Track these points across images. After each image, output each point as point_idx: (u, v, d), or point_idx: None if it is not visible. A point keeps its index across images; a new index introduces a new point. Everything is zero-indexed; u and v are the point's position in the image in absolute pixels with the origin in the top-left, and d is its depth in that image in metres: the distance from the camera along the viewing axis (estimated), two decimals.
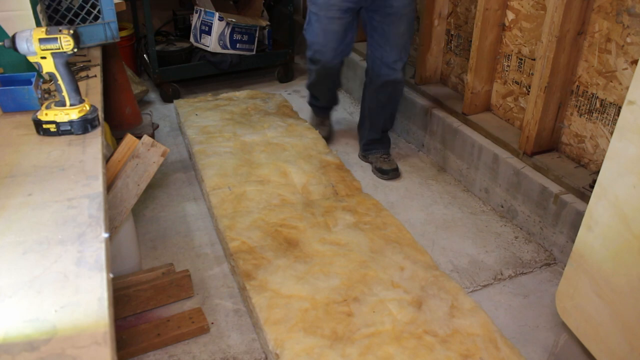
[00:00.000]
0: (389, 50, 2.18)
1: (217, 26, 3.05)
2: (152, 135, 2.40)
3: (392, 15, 2.11)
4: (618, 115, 1.06)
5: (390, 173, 2.39)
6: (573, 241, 1.23)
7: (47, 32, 1.12)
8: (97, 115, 1.23)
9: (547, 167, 1.95)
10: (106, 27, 1.71)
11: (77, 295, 0.73)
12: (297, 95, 3.32)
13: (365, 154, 2.54)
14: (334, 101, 2.69)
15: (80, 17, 1.67)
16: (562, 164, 1.97)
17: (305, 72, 3.67)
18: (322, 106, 2.68)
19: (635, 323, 1.08)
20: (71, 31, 1.13)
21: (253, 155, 2.33)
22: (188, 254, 1.94)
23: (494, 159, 2.14)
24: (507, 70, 2.23)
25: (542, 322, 1.66)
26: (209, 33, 3.08)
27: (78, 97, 1.19)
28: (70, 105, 1.18)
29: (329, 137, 2.68)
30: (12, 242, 0.84)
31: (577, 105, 1.92)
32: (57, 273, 0.77)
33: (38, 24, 1.46)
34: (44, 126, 1.17)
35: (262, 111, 2.78)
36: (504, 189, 2.13)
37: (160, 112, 3.05)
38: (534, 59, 2.07)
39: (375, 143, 2.49)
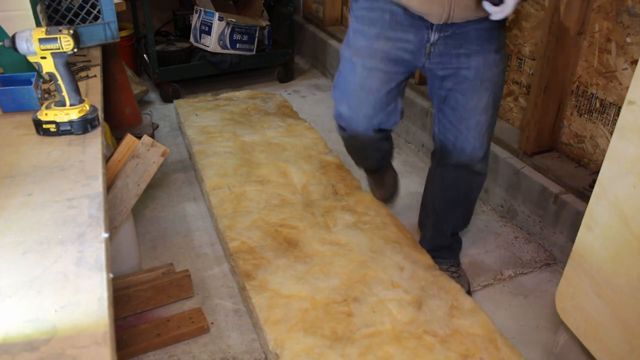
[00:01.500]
0: (465, 132, 1.50)
1: (217, 26, 3.05)
2: (152, 135, 2.40)
3: (470, 81, 1.42)
4: (618, 115, 1.06)
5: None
6: (573, 241, 1.23)
7: (47, 32, 1.12)
8: (97, 115, 1.23)
9: (547, 167, 1.95)
10: (106, 27, 1.71)
11: (77, 295, 0.73)
12: (297, 95, 3.32)
13: None
14: (383, 162, 1.90)
15: (80, 17, 1.67)
16: (562, 164, 1.97)
17: (305, 71, 3.68)
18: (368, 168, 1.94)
19: (635, 323, 1.08)
20: (71, 31, 1.13)
21: (253, 155, 2.33)
22: (188, 254, 1.94)
23: (494, 159, 2.14)
24: (507, 70, 2.23)
25: (542, 322, 1.66)
26: (209, 33, 3.08)
27: (78, 97, 1.19)
28: (70, 105, 1.18)
29: (391, 197, 2.02)
30: (12, 242, 0.84)
31: (577, 105, 1.92)
32: (57, 273, 0.77)
33: (38, 24, 1.46)
34: (44, 126, 1.17)
35: (262, 111, 2.78)
36: (504, 189, 2.13)
37: (160, 112, 3.05)
38: (534, 59, 2.07)
39: (442, 250, 1.81)
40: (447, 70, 1.43)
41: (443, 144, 1.59)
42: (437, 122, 1.57)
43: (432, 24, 1.35)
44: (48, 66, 1.15)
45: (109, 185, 1.58)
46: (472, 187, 1.67)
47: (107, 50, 2.02)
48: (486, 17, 1.27)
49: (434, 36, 1.36)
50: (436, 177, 1.72)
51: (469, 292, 1.71)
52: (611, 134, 1.79)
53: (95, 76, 1.54)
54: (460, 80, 1.43)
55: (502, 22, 1.40)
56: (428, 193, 1.81)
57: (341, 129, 1.59)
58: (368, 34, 1.39)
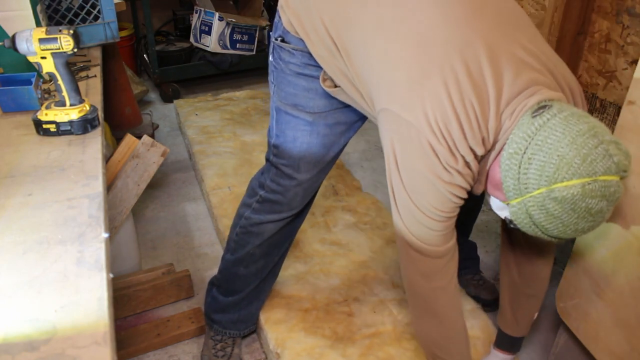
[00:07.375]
0: None
1: (217, 26, 3.05)
2: (152, 135, 2.40)
3: None
4: (618, 115, 1.06)
5: (493, 305, 1.69)
6: (573, 241, 1.23)
7: (47, 32, 1.12)
8: (97, 115, 1.23)
9: None
10: (106, 27, 1.71)
11: (77, 295, 0.73)
12: None
13: None
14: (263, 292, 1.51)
15: (80, 17, 1.67)
16: None
17: None
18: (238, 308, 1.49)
19: (635, 323, 1.08)
20: (71, 31, 1.13)
21: (253, 155, 2.33)
22: (188, 254, 1.93)
23: None
24: None
25: (542, 322, 1.65)
26: (209, 33, 3.08)
27: (78, 97, 1.19)
28: (70, 105, 1.18)
29: None
30: (12, 242, 0.84)
31: None
32: (57, 273, 0.77)
33: (38, 24, 1.46)
34: (44, 126, 1.17)
35: (262, 111, 2.78)
36: None
37: (160, 112, 3.05)
38: None
39: (465, 261, 1.66)
40: None
41: None
42: None
43: None
44: (48, 66, 1.15)
45: (109, 185, 1.59)
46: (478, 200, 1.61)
47: (107, 50, 2.02)
48: None
49: None
50: None
51: (496, 299, 1.62)
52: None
53: (95, 76, 1.54)
54: None
55: None
56: None
57: (278, 194, 1.29)
58: (324, 92, 1.19)
